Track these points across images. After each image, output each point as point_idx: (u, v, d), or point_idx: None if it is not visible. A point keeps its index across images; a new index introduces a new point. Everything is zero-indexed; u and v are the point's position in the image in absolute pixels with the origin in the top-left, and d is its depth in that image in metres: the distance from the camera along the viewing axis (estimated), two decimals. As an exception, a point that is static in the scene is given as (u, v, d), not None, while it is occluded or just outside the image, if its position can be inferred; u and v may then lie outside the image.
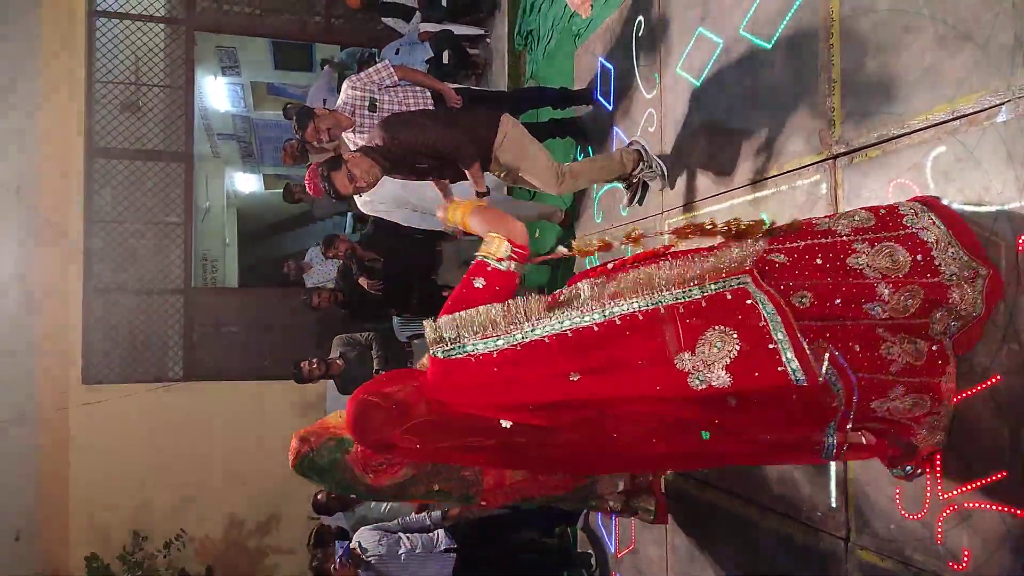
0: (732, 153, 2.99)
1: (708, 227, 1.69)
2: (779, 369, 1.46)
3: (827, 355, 1.55)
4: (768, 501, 2.63)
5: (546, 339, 1.51)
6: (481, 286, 1.61)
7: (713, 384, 1.46)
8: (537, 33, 5.59)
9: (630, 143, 3.57)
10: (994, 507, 1.79)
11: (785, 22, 2.66)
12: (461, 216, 1.82)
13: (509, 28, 6.19)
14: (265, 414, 7.01)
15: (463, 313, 1.55)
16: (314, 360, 5.38)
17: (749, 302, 1.48)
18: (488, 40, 6.73)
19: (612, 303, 1.51)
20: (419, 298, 5.69)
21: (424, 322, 1.59)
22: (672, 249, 1.75)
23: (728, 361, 1.46)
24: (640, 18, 3.84)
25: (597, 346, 1.51)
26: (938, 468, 1.92)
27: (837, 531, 2.30)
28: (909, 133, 2.09)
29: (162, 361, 6.89)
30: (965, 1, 1.93)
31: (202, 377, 6.84)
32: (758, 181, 2.80)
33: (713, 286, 1.50)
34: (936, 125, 2.00)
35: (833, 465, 2.32)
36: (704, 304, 1.49)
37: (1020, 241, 1.75)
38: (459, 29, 6.39)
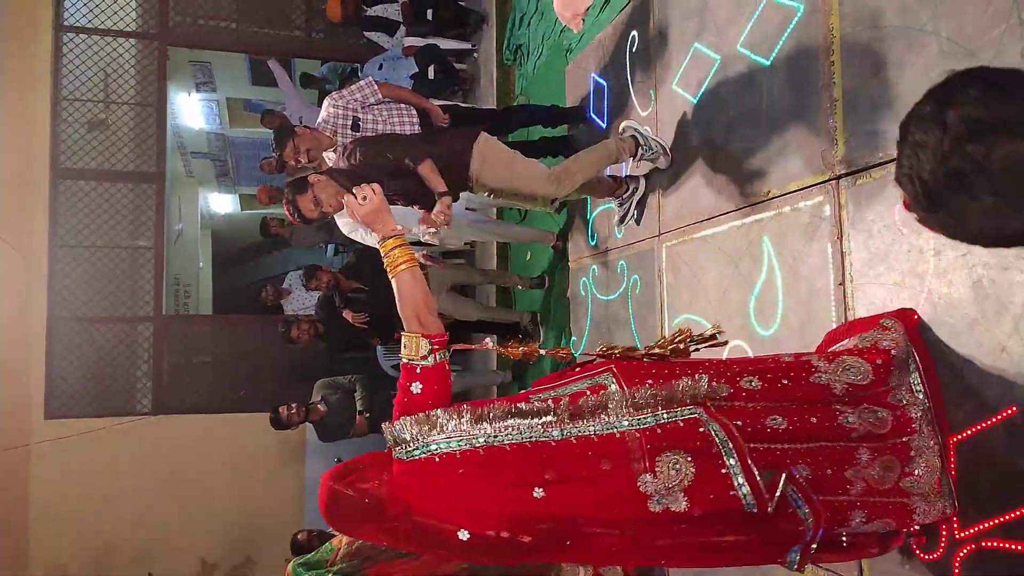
0: (731, 173, 3.01)
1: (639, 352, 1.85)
2: (731, 493, 1.58)
3: (783, 476, 1.61)
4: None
5: (507, 447, 1.61)
6: (419, 391, 1.69)
7: (671, 508, 1.57)
8: (527, 48, 5.64)
9: (622, 129, 3.52)
10: (1013, 546, 1.78)
11: (784, 38, 2.70)
12: (390, 252, 1.79)
13: (498, 42, 6.25)
14: (240, 450, 6.92)
15: (420, 415, 1.63)
16: (293, 405, 5.33)
17: (702, 430, 1.62)
18: (476, 55, 6.79)
19: (571, 423, 1.63)
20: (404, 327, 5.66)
21: (383, 425, 1.67)
22: (620, 356, 1.85)
23: (686, 484, 1.57)
24: (634, 33, 3.89)
25: (557, 461, 1.60)
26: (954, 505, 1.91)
27: (849, 573, 2.28)
28: (915, 153, 2.11)
29: (130, 394, 6.81)
30: (970, 17, 1.96)
31: (173, 411, 6.77)
32: (758, 203, 2.82)
33: (666, 415, 1.64)
34: (943, 145, 2.02)
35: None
36: (659, 431, 1.62)
37: (1033, 266, 1.76)
38: (445, 43, 6.45)
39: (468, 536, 1.57)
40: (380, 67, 5.91)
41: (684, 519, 1.59)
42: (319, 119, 3.86)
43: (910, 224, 2.10)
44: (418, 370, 1.70)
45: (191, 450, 6.82)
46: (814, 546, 1.69)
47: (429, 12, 6.56)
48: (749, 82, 2.91)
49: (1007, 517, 1.80)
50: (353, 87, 3.90)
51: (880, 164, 2.23)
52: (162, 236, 6.93)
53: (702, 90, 3.24)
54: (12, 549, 6.45)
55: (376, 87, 3.90)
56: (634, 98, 3.87)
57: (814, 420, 1.72)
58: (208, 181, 11.74)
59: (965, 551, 1.89)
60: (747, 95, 2.92)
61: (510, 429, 1.62)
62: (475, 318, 5.47)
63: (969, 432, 1.89)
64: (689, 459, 1.58)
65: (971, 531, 1.88)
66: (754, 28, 2.89)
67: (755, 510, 1.57)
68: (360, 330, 5.28)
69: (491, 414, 1.63)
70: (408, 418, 1.64)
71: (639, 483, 1.57)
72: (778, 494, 1.58)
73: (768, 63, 2.79)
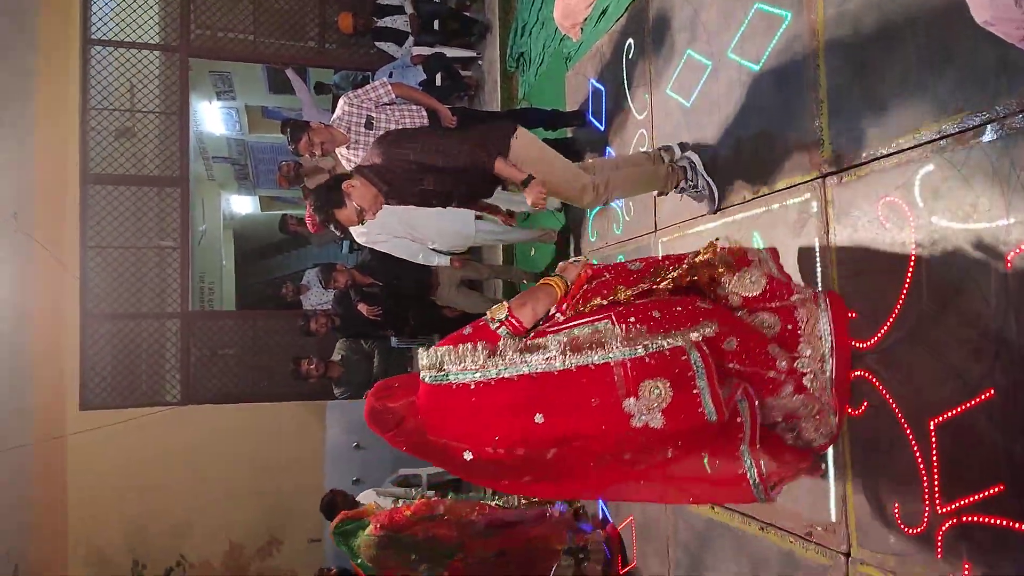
0: (723, 173, 3.02)
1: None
2: (699, 411, 1.84)
3: (740, 390, 1.93)
4: (768, 517, 2.64)
5: (515, 378, 1.81)
6: (468, 332, 1.91)
7: (650, 424, 1.81)
8: (528, 55, 5.64)
9: (681, 155, 3.16)
10: (993, 520, 1.80)
11: (772, 44, 2.70)
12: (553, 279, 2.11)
13: (501, 50, 6.25)
14: (263, 436, 6.98)
15: (446, 347, 1.85)
16: (313, 359, 5.37)
17: (684, 357, 1.86)
18: (480, 62, 6.79)
19: (572, 355, 1.83)
20: (417, 321, 5.69)
21: (419, 349, 1.89)
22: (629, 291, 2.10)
23: (664, 406, 1.82)
24: (630, 41, 3.89)
25: (557, 388, 1.81)
26: (936, 482, 1.93)
27: (838, 546, 2.30)
28: (897, 152, 2.12)
29: (159, 385, 6.86)
30: (947, 21, 1.97)
31: (200, 401, 6.81)
32: (749, 200, 2.83)
33: (653, 344, 1.86)
34: (923, 144, 2.03)
35: (832, 480, 2.33)
36: (647, 359, 1.84)
37: (1008, 258, 1.77)
38: (451, 52, 6.45)
39: (471, 457, 1.80)
40: (390, 75, 5.92)
41: (659, 435, 1.82)
42: (334, 116, 3.83)
43: (893, 219, 2.11)
44: (481, 323, 1.93)
45: (217, 437, 6.88)
46: (757, 445, 1.98)
47: (436, 23, 6.56)
48: (739, 86, 2.91)
49: (986, 494, 1.82)
50: (368, 87, 3.87)
51: (864, 163, 2.24)
52: (187, 236, 6.96)
53: (695, 94, 3.24)
54: (53, 533, 6.52)
55: (390, 87, 3.88)
56: (631, 102, 3.88)
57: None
58: (229, 184, 11.76)
59: (947, 525, 1.91)
60: (738, 99, 2.92)
61: (519, 363, 1.82)
62: (483, 310, 5.47)
63: (950, 414, 1.90)
64: (668, 384, 1.82)
65: (952, 507, 1.90)
66: (744, 35, 2.89)
67: (714, 420, 1.84)
68: (374, 322, 5.31)
69: (504, 351, 1.83)
70: (441, 348, 1.84)
71: (624, 405, 1.80)
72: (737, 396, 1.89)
73: (757, 68, 2.80)
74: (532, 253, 5.70)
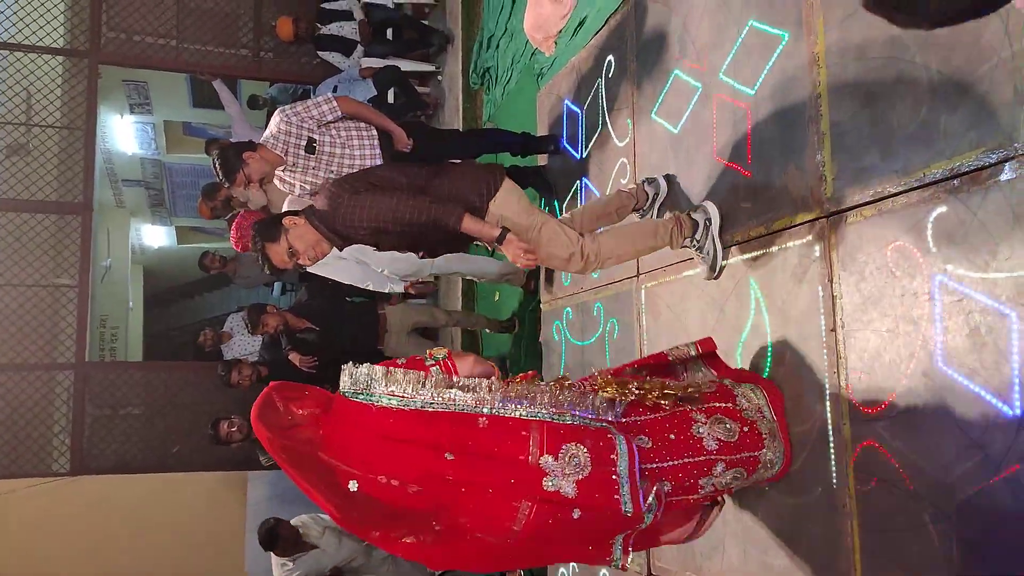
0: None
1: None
2: (615, 498, 2.06)
3: (655, 490, 2.15)
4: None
5: (438, 412, 2.02)
6: (402, 363, 2.12)
7: (560, 491, 2.01)
8: (495, 71, 5.74)
9: (697, 208, 3.06)
10: None
11: (768, 67, 2.79)
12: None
13: (464, 65, 6.35)
14: (174, 513, 6.78)
15: (378, 367, 2.04)
16: (236, 420, 5.24)
17: (609, 436, 2.15)
18: (440, 77, 6.89)
19: (501, 404, 2.08)
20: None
21: (343, 366, 2.04)
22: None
23: (580, 477, 2.03)
24: (610, 57, 3.99)
25: (477, 430, 2.04)
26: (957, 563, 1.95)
27: None
28: (907, 191, 2.19)
29: (45, 451, 6.63)
30: (961, 49, 2.06)
31: (95, 470, 6.60)
32: (744, 242, 2.88)
33: (582, 417, 2.16)
34: (936, 183, 2.10)
35: (836, 566, 2.34)
36: (572, 428, 2.12)
37: (1032, 312, 1.83)
38: (407, 65, 6.54)
39: (356, 488, 1.91)
40: (335, 89, 5.97)
41: (565, 505, 2.01)
42: (266, 134, 3.78)
43: (903, 266, 2.17)
44: (418, 357, 2.16)
45: (121, 513, 6.69)
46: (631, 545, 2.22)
47: (389, 31, 6.66)
48: (732, 113, 3.00)
49: (1013, 583, 1.84)
50: (309, 103, 3.84)
51: (871, 202, 2.31)
52: (87, 273, 6.83)
53: (683, 120, 3.33)
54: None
55: (335, 103, 3.87)
56: (611, 127, 3.96)
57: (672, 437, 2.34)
58: (141, 212, 11.65)
59: None
60: (730, 126, 3.00)
61: (447, 399, 2.04)
62: (437, 363, 5.45)
63: (971, 490, 1.93)
64: (590, 458, 2.05)
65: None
66: (737, 56, 2.99)
67: (630, 515, 2.06)
68: (310, 376, 5.23)
69: (435, 382, 2.04)
70: (374, 367, 2.03)
71: (541, 462, 2.01)
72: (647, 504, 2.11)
73: (752, 92, 2.89)
74: (496, 298, 5.72)
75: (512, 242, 2.88)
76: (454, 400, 2.04)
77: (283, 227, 2.86)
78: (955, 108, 2.07)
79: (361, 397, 2.01)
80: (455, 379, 2.09)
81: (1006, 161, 1.92)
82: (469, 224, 2.87)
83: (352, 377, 2.03)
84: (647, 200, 3.39)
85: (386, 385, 2.02)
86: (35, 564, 6.48)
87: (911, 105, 2.20)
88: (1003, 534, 1.87)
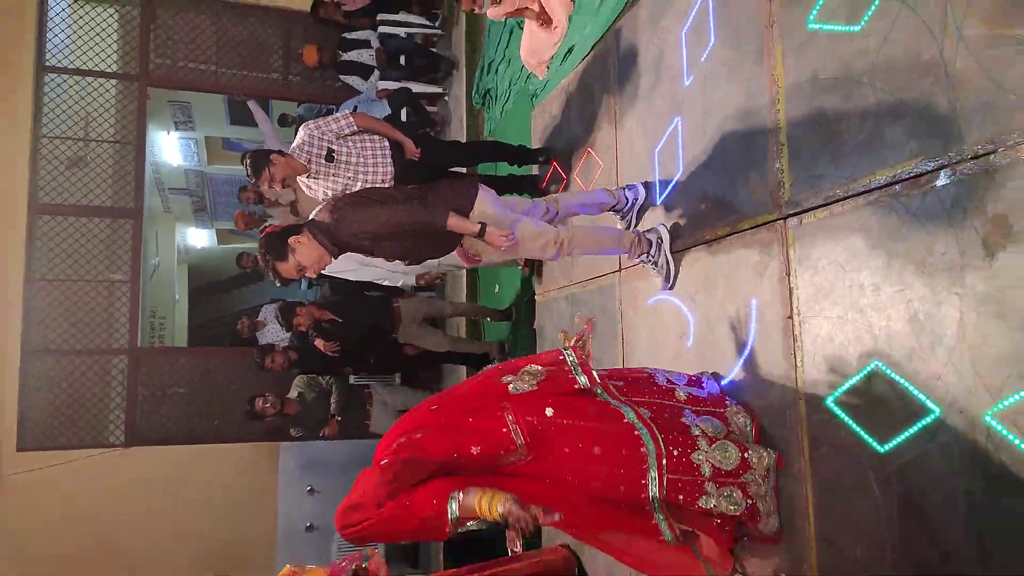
0: (686, 213, 3.07)
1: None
2: (569, 376, 2.33)
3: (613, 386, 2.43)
4: None
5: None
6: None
7: (522, 390, 2.27)
8: (495, 92, 5.72)
9: (650, 229, 3.20)
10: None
11: (733, 88, 2.78)
12: (487, 505, 1.96)
13: (467, 87, 6.34)
14: (214, 480, 6.77)
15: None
16: (269, 396, 5.21)
17: (560, 358, 2.39)
18: (446, 98, 6.87)
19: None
20: (378, 358, 5.63)
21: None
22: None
23: (539, 380, 2.30)
24: (596, 82, 3.97)
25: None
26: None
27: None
28: (855, 195, 2.18)
29: (103, 426, 6.62)
30: (903, 70, 2.05)
31: (146, 442, 6.59)
32: (712, 240, 2.88)
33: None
34: (880, 188, 2.10)
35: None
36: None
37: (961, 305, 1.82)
38: (417, 87, 6.51)
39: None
40: (355, 109, 5.94)
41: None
42: (293, 145, 3.80)
43: (852, 261, 2.17)
44: (435, 502, 2.00)
45: (166, 481, 6.65)
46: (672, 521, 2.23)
47: (402, 58, 6.63)
48: (704, 131, 2.98)
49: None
50: (329, 118, 3.87)
51: (824, 205, 2.30)
52: (138, 270, 6.80)
53: (660, 135, 3.31)
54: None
55: (352, 119, 3.89)
56: (596, 140, 3.94)
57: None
58: (185, 216, 11.61)
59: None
60: (702, 142, 2.99)
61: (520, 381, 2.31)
62: (445, 349, 5.46)
63: (911, 455, 1.93)
64: (544, 371, 2.36)
65: None
66: (706, 78, 2.97)
67: (587, 386, 2.34)
68: (332, 359, 5.23)
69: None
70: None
71: (505, 380, 2.33)
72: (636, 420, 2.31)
73: (720, 110, 2.87)
74: (496, 291, 5.71)
75: (491, 232, 2.91)
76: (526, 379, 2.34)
77: (289, 246, 2.81)
78: (897, 122, 2.06)
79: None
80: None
81: (941, 168, 1.92)
82: (454, 222, 2.91)
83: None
84: (627, 203, 3.39)
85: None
86: (93, 525, 6.47)
87: (859, 119, 2.19)
88: (933, 495, 1.87)
